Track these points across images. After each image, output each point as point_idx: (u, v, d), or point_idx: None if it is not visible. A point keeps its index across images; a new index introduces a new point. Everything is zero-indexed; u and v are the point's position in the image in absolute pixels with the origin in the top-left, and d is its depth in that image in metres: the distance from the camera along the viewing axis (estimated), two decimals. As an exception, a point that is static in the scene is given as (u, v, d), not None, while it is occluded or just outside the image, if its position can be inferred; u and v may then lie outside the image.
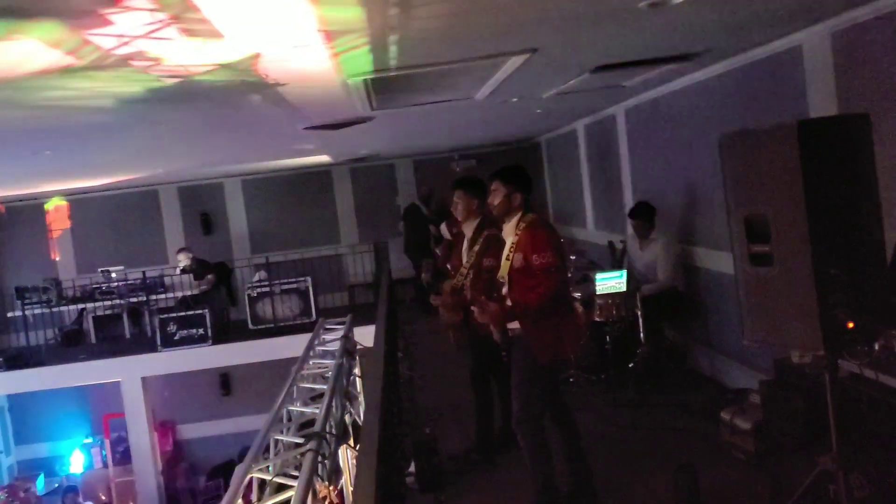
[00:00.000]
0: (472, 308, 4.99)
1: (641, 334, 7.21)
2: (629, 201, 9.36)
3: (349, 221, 15.42)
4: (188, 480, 13.47)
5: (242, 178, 15.23)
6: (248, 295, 12.81)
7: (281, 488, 3.99)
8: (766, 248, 3.44)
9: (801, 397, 5.18)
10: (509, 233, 4.86)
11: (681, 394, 6.85)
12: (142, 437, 11.91)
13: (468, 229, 5.71)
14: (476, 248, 5.51)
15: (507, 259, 4.79)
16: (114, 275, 12.76)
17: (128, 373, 11.84)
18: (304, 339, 11.67)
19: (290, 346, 11.95)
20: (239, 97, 4.85)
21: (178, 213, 15.22)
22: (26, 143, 6.26)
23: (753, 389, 5.74)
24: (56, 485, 13.03)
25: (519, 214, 4.81)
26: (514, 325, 4.77)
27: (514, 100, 7.02)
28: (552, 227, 4.95)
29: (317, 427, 4.43)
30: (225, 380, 14.72)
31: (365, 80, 4.58)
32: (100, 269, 12.97)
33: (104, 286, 12.59)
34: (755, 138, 3.52)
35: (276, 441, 4.52)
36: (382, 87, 5.13)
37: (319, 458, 3.98)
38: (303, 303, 12.71)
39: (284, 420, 5.02)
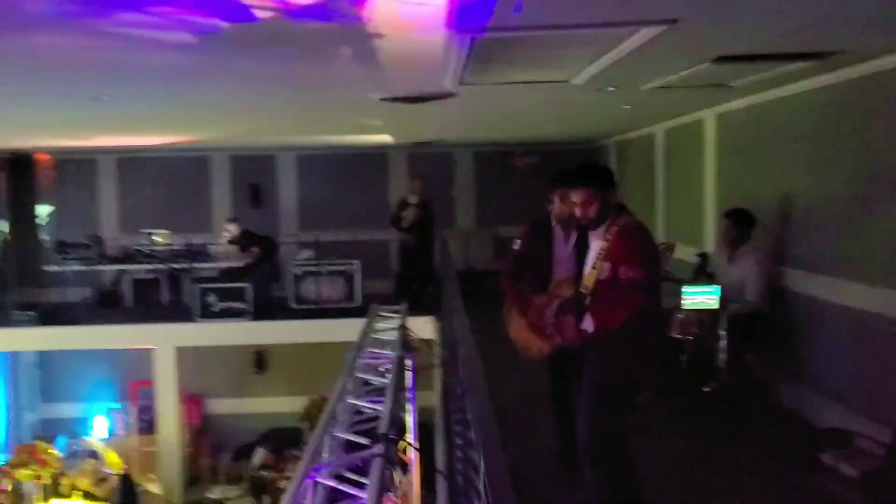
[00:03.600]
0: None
1: (722, 358, 6.61)
2: (710, 213, 8.75)
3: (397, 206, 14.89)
4: (212, 457, 13.04)
5: (296, 152, 14.79)
6: (294, 273, 12.34)
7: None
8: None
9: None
10: (597, 237, 4.26)
11: (762, 429, 6.23)
12: (170, 408, 11.48)
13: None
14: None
15: (594, 268, 4.18)
16: (157, 238, 12.36)
17: (162, 340, 11.41)
18: (346, 323, 11.36)
19: (332, 329, 11.50)
20: (328, 48, 4.34)
21: (228, 182, 14.82)
22: (87, 84, 5.82)
23: (860, 433, 5.13)
24: (76, 448, 12.65)
25: (611, 217, 4.21)
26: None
27: (611, 89, 6.44)
28: (648, 234, 4.29)
29: (382, 428, 3.92)
30: (259, 357, 14.26)
31: (473, 41, 4.03)
32: (142, 231, 12.58)
33: (146, 249, 12.19)
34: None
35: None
36: (484, 55, 4.59)
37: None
38: (348, 287, 12.22)
39: (339, 415, 4.51)
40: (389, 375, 5.34)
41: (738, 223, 6.91)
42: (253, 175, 14.75)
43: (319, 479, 3.29)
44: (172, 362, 11.51)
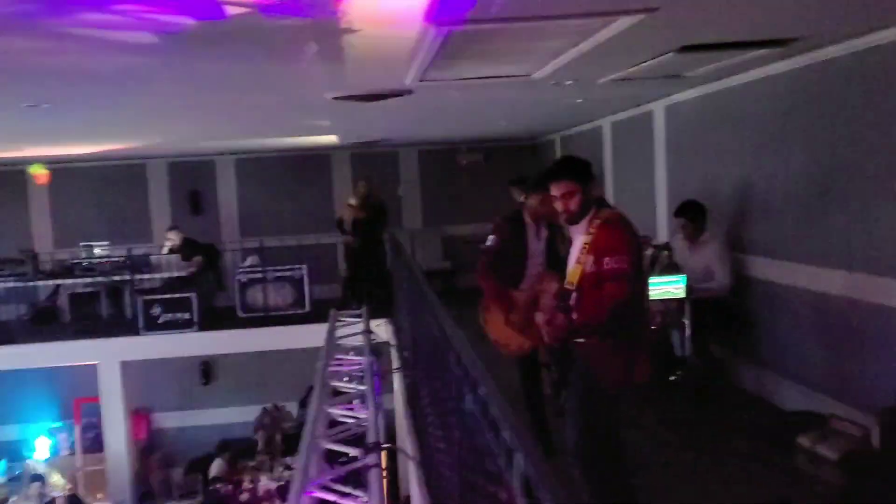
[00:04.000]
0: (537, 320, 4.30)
1: (685, 346, 6.64)
2: (662, 205, 8.80)
3: (340, 210, 14.69)
4: (162, 472, 12.67)
5: (236, 157, 14.47)
6: (239, 280, 12.06)
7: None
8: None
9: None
10: (580, 231, 4.18)
11: (733, 413, 6.27)
12: (117, 425, 11.12)
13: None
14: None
15: (579, 263, 4.09)
16: (97, 251, 11.95)
17: (106, 356, 11.04)
18: (295, 330, 11.20)
19: (282, 337, 11.30)
20: (294, 46, 4.19)
21: (167, 189, 14.43)
22: (27, 91, 5.55)
23: (836, 415, 5.17)
24: (18, 472, 12.16)
25: (593, 210, 4.14)
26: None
27: (569, 83, 6.41)
28: (631, 225, 4.22)
29: (371, 437, 3.79)
30: (206, 368, 13.95)
31: (448, 34, 3.92)
32: (82, 244, 12.15)
33: (85, 262, 11.77)
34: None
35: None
36: (453, 49, 4.48)
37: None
38: (296, 292, 11.99)
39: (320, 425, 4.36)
40: (364, 382, 5.23)
41: (694, 217, 6.95)
42: (192, 182, 14.39)
43: (316, 494, 3.16)
44: (118, 377, 11.16)
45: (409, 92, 6.47)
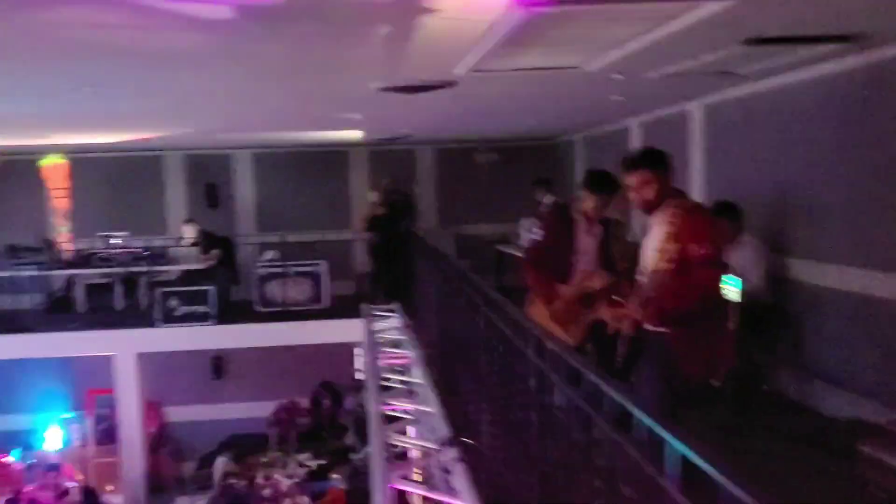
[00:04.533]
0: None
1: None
2: (695, 206, 8.70)
3: (363, 207, 14.58)
4: (172, 466, 12.54)
5: (253, 150, 14.36)
6: (258, 274, 11.96)
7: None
8: None
9: None
10: (658, 221, 4.12)
11: (775, 419, 6.16)
12: (132, 417, 11.00)
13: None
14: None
15: (659, 251, 4.03)
16: (114, 241, 11.83)
17: (123, 347, 10.91)
18: (314, 325, 11.09)
19: (301, 332, 11.19)
20: (366, 27, 4.09)
21: (183, 182, 14.31)
22: (76, 72, 5.43)
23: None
24: (29, 461, 12.02)
25: (670, 200, 4.09)
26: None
27: (618, 76, 6.31)
28: (709, 214, 4.20)
29: (443, 431, 3.70)
30: (217, 363, 13.82)
31: (531, 15, 3.82)
32: (98, 234, 12.03)
33: (103, 252, 11.66)
34: None
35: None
36: (522, 35, 4.38)
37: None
38: (315, 288, 11.90)
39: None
40: (415, 375, 5.13)
41: (733, 218, 6.87)
42: (208, 175, 14.27)
43: (400, 487, 3.06)
44: (134, 369, 11.03)
45: (454, 84, 6.38)
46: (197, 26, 3.94)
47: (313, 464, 11.21)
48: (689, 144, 8.76)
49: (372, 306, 7.67)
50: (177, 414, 13.61)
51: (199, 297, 11.28)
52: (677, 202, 4.03)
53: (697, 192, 8.64)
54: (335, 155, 14.44)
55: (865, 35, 4.93)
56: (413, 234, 10.49)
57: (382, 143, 13.67)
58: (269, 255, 12.37)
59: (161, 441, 12.81)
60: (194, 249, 11.88)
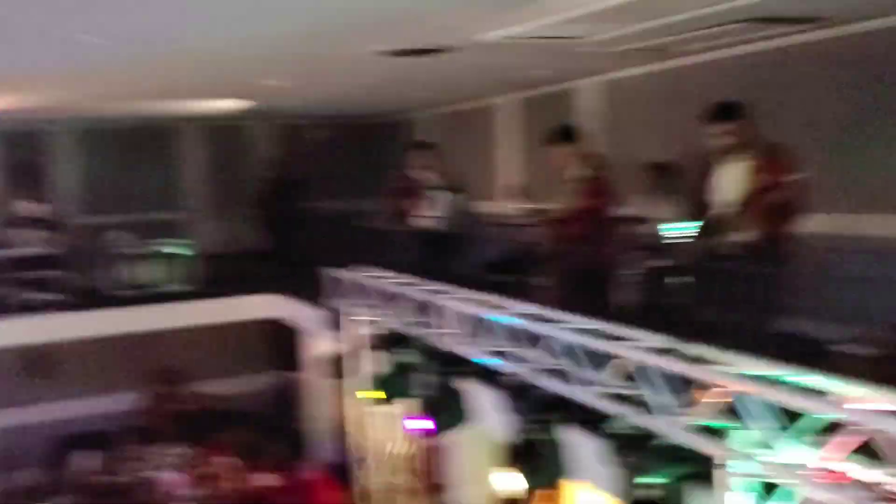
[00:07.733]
0: None
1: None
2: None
3: (198, 186, 14.07)
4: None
5: (69, 126, 13.27)
6: (108, 256, 11.15)
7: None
8: None
9: None
10: (744, 160, 5.01)
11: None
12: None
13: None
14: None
15: (747, 182, 4.93)
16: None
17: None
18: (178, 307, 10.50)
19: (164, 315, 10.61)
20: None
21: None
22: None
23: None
24: None
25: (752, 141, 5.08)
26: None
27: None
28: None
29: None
30: (34, 359, 12.49)
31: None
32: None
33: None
34: None
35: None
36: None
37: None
38: (180, 268, 11.34)
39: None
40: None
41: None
42: (22, 153, 12.99)
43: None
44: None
45: (450, 50, 6.64)
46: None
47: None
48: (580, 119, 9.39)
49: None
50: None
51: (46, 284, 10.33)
52: (757, 143, 5.06)
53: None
54: (161, 131, 13.77)
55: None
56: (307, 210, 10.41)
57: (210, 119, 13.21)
58: (118, 236, 11.53)
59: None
60: (33, 233, 10.82)
